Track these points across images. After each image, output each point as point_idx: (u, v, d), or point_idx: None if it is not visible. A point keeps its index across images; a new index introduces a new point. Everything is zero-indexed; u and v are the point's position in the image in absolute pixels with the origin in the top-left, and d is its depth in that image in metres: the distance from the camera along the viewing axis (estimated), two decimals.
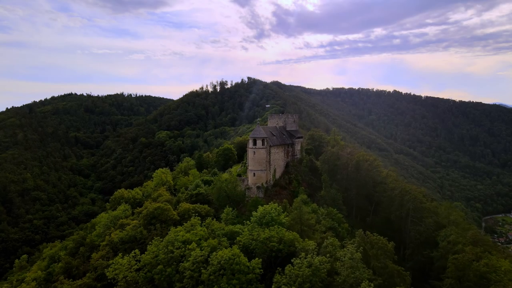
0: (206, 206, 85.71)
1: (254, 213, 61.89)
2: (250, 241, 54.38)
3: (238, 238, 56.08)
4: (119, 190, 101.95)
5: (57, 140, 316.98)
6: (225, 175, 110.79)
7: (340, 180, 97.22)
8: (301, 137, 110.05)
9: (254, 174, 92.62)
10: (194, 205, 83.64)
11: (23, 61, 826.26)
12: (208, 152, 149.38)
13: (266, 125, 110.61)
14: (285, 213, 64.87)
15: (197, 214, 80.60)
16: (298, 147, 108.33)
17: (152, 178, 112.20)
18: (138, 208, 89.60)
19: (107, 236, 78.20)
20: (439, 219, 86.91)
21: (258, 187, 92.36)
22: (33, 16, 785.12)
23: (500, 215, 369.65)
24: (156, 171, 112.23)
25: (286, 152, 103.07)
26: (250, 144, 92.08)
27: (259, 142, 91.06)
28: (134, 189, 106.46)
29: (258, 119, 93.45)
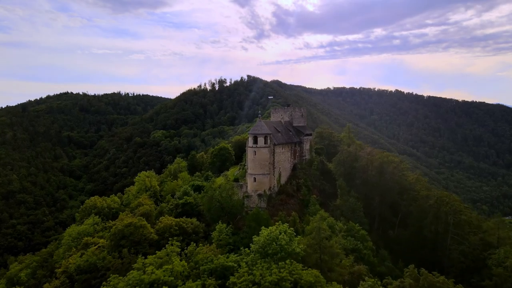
0: (194, 220, 66.76)
1: (255, 238, 42.81)
2: (250, 285, 35.46)
3: (232, 279, 37.11)
4: (92, 198, 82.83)
5: (48, 140, 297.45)
6: (220, 180, 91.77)
7: (359, 185, 78.41)
8: (310, 135, 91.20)
9: (254, 179, 73.69)
10: (178, 219, 64.66)
11: (23, 61, 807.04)
12: (202, 152, 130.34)
13: (269, 120, 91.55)
14: (299, 237, 45.71)
15: (181, 232, 61.74)
16: (307, 146, 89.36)
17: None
18: (110, 221, 70.59)
19: (63, 261, 59.34)
20: (485, 236, 68.07)
21: (259, 195, 73.41)
22: (33, 16, 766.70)
23: (508, 218, 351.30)
24: (139, 174, 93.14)
25: (293, 152, 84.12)
26: (250, 143, 73.18)
27: (260, 140, 72.11)
28: (110, 196, 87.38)
29: (259, 112, 74.15)
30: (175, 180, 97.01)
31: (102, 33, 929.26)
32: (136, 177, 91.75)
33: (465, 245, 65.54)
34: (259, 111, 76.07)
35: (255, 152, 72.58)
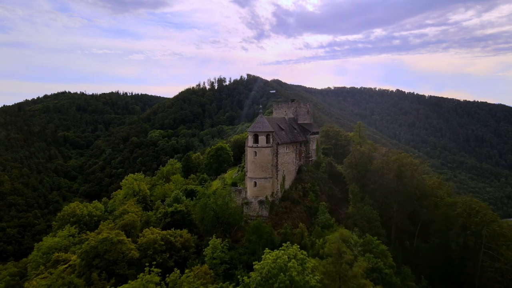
0: (185, 232, 56.48)
1: (256, 265, 32.42)
2: None
3: None
4: (71, 204, 72.48)
5: (43, 140, 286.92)
6: (216, 183, 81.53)
7: (374, 191, 68.08)
8: (317, 133, 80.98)
9: (255, 183, 63.50)
10: (165, 231, 54.41)
11: (22, 61, 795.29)
12: (198, 153, 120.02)
13: (272, 116, 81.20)
14: (312, 261, 35.17)
15: (168, 247, 51.51)
16: (313, 146, 79.11)
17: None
18: (88, 232, 60.15)
19: (26, 283, 49.05)
20: None
21: (260, 202, 63.23)
22: (33, 16, 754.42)
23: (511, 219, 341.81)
24: (126, 177, 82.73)
25: (298, 153, 73.87)
26: (250, 142, 62.96)
27: (262, 139, 61.90)
28: (93, 201, 77.01)
29: (260, 107, 63.93)
30: (167, 184, 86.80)
31: (102, 33, 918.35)
32: (123, 180, 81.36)
33: (501, 261, 55.39)
34: (260, 106, 65.65)
35: (256, 152, 62.39)
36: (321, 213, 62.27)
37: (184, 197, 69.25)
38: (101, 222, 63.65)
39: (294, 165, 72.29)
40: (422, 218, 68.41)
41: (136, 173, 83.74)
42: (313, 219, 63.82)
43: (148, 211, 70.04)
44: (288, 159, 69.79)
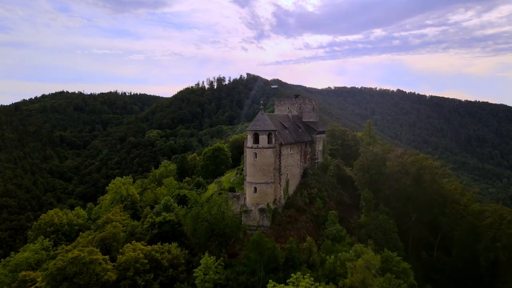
0: (174, 246, 48.26)
1: None
2: None
3: None
4: (49, 212, 64.11)
5: (38, 140, 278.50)
6: (212, 187, 73.35)
7: (389, 197, 59.95)
8: (324, 132, 72.82)
9: (255, 189, 55.30)
10: (150, 247, 46.21)
11: (22, 61, 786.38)
12: (194, 154, 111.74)
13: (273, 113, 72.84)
14: None
15: (153, 265, 43.33)
16: (319, 147, 70.91)
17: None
18: (64, 246, 51.91)
19: None
20: None
21: (261, 210, 55.03)
22: (33, 16, 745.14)
23: None
24: (113, 180, 74.42)
25: (303, 154, 65.66)
26: (249, 142, 54.81)
27: (263, 138, 53.72)
28: (76, 208, 68.76)
29: (261, 102, 55.79)
30: (159, 188, 78.58)
31: (102, 33, 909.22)
32: (110, 184, 73.10)
33: None
34: (261, 101, 57.63)
35: (256, 154, 54.19)
36: (331, 223, 54.08)
37: (175, 204, 61.08)
38: (80, 233, 55.46)
39: (298, 168, 64.09)
40: (442, 228, 60.27)
41: (124, 176, 75.47)
42: (321, 229, 55.65)
43: (135, 220, 61.83)
44: (292, 161, 61.63)
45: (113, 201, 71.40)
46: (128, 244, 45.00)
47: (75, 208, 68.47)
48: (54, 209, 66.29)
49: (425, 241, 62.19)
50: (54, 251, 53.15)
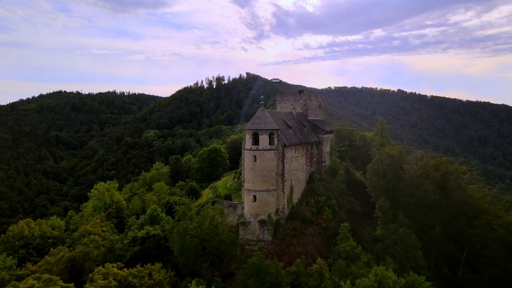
0: (157, 268, 39.75)
1: None
2: None
3: None
4: (20, 222, 55.79)
5: (33, 140, 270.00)
6: (207, 193, 65.05)
7: (408, 207, 51.70)
8: (331, 132, 64.59)
9: (254, 197, 47.00)
10: (128, 270, 37.83)
11: (22, 61, 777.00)
12: (189, 155, 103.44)
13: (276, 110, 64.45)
14: None
15: None
16: (327, 148, 62.62)
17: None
18: (29, 266, 43.58)
19: None
20: None
21: (261, 222, 46.69)
22: (33, 16, 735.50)
23: None
24: (95, 186, 66.01)
25: (309, 157, 57.35)
26: (248, 143, 46.48)
27: (263, 139, 45.37)
28: (52, 217, 60.40)
29: (262, 97, 47.34)
30: (148, 193, 70.24)
31: (102, 33, 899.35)
32: (92, 190, 64.74)
33: None
34: (262, 96, 49.35)
35: (256, 157, 45.88)
36: (343, 238, 45.72)
37: (163, 214, 52.82)
38: (51, 249, 47.14)
39: (304, 172, 55.81)
40: (469, 241, 51.99)
41: (108, 182, 66.96)
42: (332, 245, 47.28)
43: (120, 231, 53.56)
44: (297, 165, 53.34)
45: (95, 209, 63.18)
46: (100, 268, 36.61)
47: (51, 218, 59.99)
48: (26, 219, 57.71)
49: (448, 256, 53.92)
50: (20, 270, 44.88)
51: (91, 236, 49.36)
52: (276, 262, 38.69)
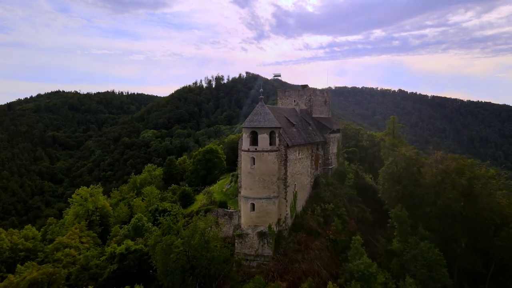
0: None
1: None
2: None
3: None
4: None
5: (29, 140, 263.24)
6: (201, 199, 58.33)
7: (428, 216, 45.02)
8: (338, 131, 57.99)
9: (252, 206, 40.24)
10: None
11: (22, 61, 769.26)
12: (184, 157, 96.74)
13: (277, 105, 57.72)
14: None
15: None
16: (333, 149, 55.94)
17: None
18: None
19: None
20: None
21: (261, 234, 39.89)
22: (33, 16, 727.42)
23: None
24: (77, 190, 59.29)
25: (314, 159, 50.66)
26: (245, 143, 39.75)
27: (263, 138, 38.60)
28: (25, 227, 53.67)
29: (261, 91, 40.39)
30: (136, 198, 63.53)
31: (102, 33, 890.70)
32: (73, 195, 58.01)
33: None
34: (261, 90, 42.49)
35: (254, 159, 39.21)
36: (356, 254, 39.01)
37: (149, 224, 46.12)
38: (18, 265, 40.46)
39: (309, 176, 49.12)
40: (496, 254, 45.32)
41: (91, 186, 60.21)
42: (342, 262, 40.59)
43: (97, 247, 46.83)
44: (301, 168, 46.66)
45: (77, 216, 56.47)
46: None
47: (25, 227, 53.24)
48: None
49: (473, 271, 47.24)
50: None
51: (66, 249, 42.78)
52: (278, 284, 32.01)
